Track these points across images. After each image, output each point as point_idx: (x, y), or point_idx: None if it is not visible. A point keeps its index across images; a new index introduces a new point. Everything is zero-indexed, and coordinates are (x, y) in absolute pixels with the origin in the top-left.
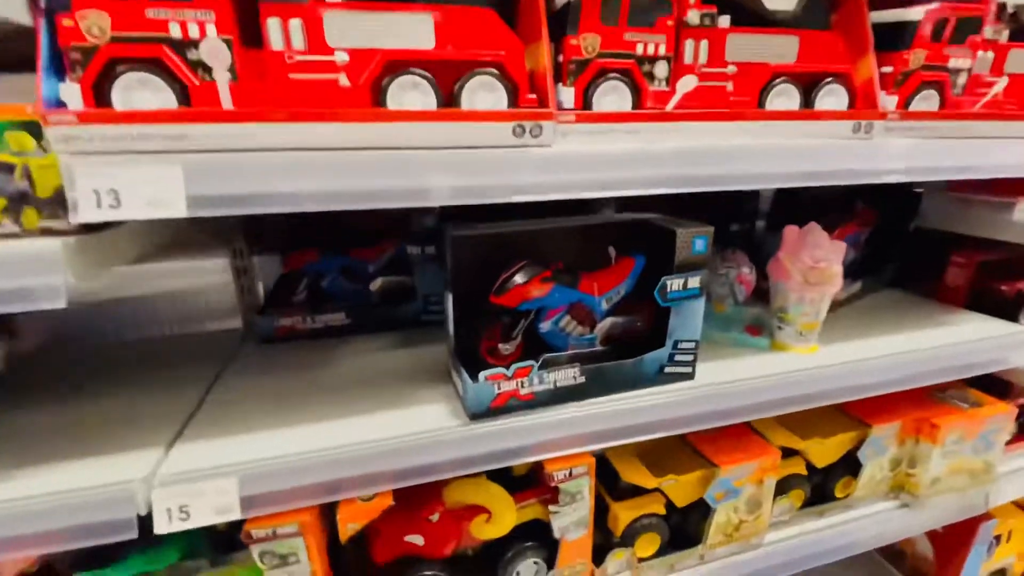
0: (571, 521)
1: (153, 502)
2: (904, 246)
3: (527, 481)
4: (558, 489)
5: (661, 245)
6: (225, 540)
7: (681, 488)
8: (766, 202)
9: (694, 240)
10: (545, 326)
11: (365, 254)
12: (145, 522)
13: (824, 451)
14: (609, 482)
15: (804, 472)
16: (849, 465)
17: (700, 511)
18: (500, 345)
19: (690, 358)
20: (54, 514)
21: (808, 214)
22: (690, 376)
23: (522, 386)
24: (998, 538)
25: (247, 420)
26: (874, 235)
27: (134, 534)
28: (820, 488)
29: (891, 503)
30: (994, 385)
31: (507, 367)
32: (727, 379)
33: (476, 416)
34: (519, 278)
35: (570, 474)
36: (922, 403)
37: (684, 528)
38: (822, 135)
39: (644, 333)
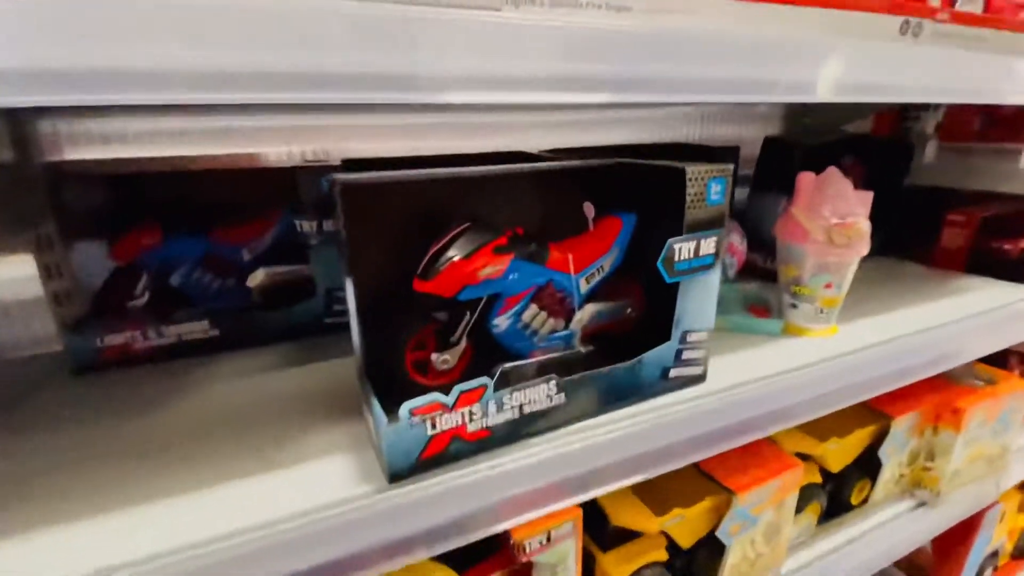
0: None
1: None
2: (895, 207)
3: (487, 545)
4: (531, 564)
5: (656, 196)
6: None
7: (688, 526)
8: (748, 165)
9: (710, 184)
10: (501, 323)
11: (235, 235)
12: None
13: (841, 453)
14: (594, 526)
15: (819, 480)
16: (864, 466)
17: (709, 548)
18: (434, 356)
19: (701, 354)
20: None
21: (792, 174)
22: (701, 379)
23: (470, 419)
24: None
25: (17, 507)
26: None
27: None
28: (835, 496)
29: (908, 505)
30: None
31: (446, 391)
32: (744, 379)
33: (397, 476)
34: (456, 251)
35: (548, 539)
36: (935, 386)
37: (690, 570)
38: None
39: (632, 324)
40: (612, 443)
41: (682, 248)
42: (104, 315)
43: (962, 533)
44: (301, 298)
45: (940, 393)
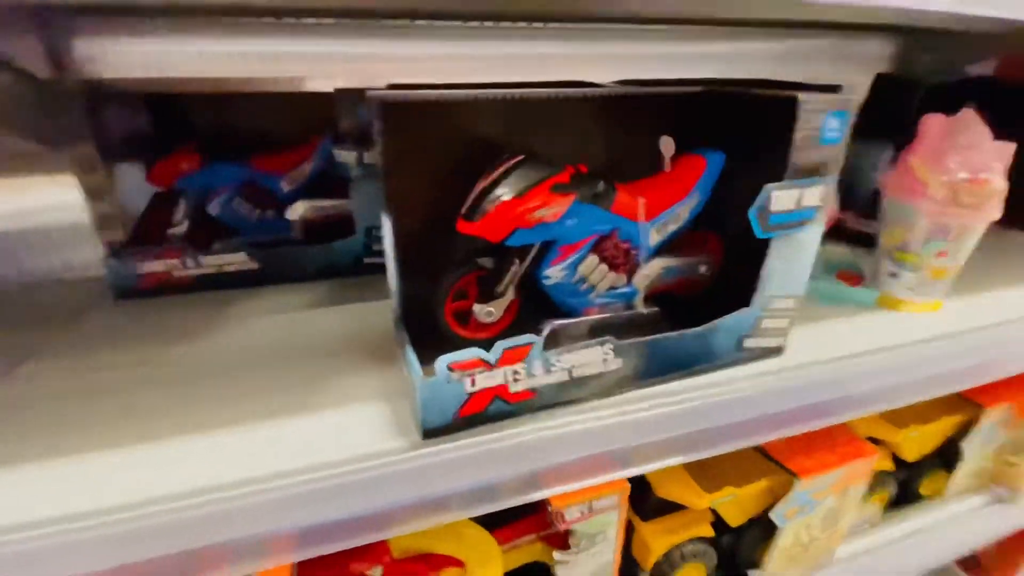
0: (586, 572)
1: None
2: (1019, 169)
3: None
4: (570, 531)
5: (753, 133)
6: None
7: (739, 504)
8: None
9: (827, 119)
10: (554, 274)
11: (274, 164)
12: None
13: (920, 441)
14: (636, 493)
15: (891, 467)
16: (944, 455)
17: (761, 527)
18: (477, 307)
19: (785, 323)
20: None
21: (906, 119)
22: (778, 351)
23: (514, 378)
24: None
25: (55, 445)
26: None
27: None
28: (904, 486)
29: (981, 499)
30: None
31: (488, 346)
32: (827, 356)
33: (431, 433)
34: (507, 188)
35: (589, 509)
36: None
37: (737, 549)
38: None
39: (704, 285)
40: (669, 417)
41: (782, 196)
42: (144, 241)
43: None
44: (341, 234)
45: None
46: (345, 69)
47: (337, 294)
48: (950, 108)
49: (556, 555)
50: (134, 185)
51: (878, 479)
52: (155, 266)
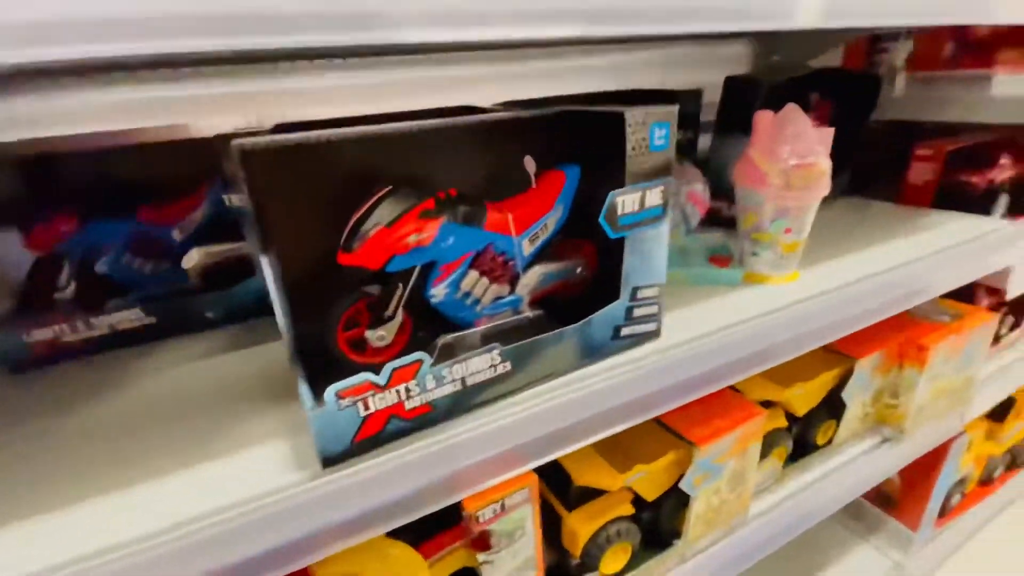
0: (511, 568)
1: None
2: (861, 145)
3: (445, 516)
4: (487, 532)
5: (601, 146)
6: None
7: (652, 480)
8: (710, 110)
9: (652, 129)
10: (438, 293)
11: (163, 215)
12: None
13: (806, 397)
14: (559, 486)
15: (785, 424)
16: (829, 407)
17: (675, 498)
18: (369, 333)
19: (654, 310)
20: None
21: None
22: (655, 335)
23: (407, 395)
24: None
25: None
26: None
27: None
28: (800, 438)
29: (872, 441)
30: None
31: (377, 370)
32: (701, 332)
33: (330, 461)
34: (379, 218)
35: (502, 507)
36: (900, 324)
37: (657, 522)
38: None
39: (586, 285)
40: (562, 407)
41: (625, 201)
42: (30, 310)
43: (929, 464)
44: (241, 278)
45: (905, 331)
46: (229, 110)
47: (241, 338)
48: (796, 100)
49: (480, 557)
50: (12, 253)
51: (775, 436)
52: (44, 334)
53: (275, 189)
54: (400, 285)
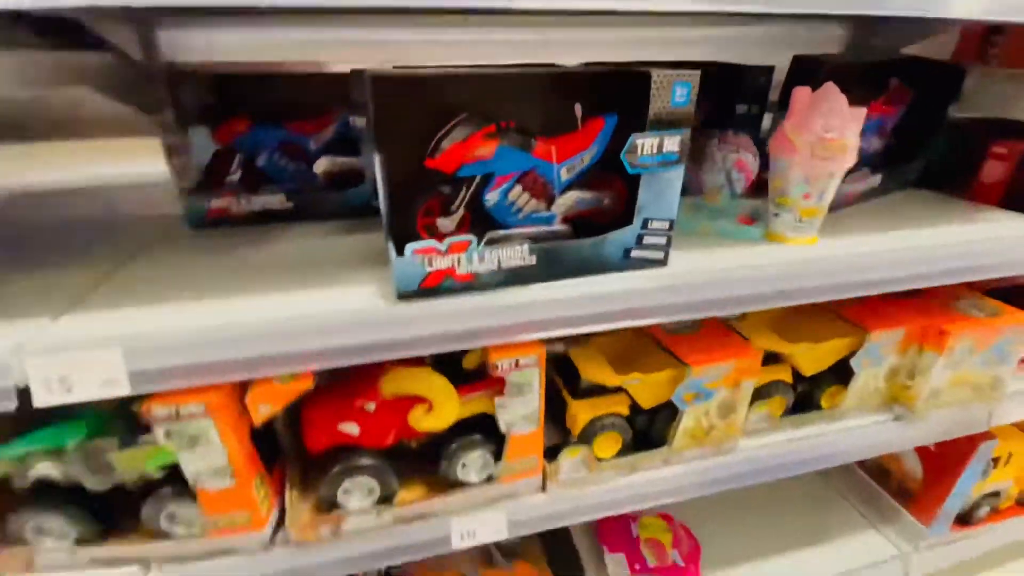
0: (519, 415)
1: (28, 372)
2: (938, 136)
3: (477, 374)
4: (504, 381)
5: (636, 100)
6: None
7: (647, 388)
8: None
9: (674, 87)
10: (492, 197)
11: (304, 127)
12: (26, 395)
13: (814, 357)
14: (570, 380)
15: (789, 380)
16: (839, 374)
17: (668, 413)
18: (439, 220)
19: (662, 241)
20: None
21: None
22: (662, 263)
23: (459, 264)
24: (996, 460)
25: (152, 295)
26: (905, 121)
27: (12, 404)
28: (805, 397)
29: (882, 416)
30: (1017, 296)
31: (441, 241)
32: (705, 268)
33: (403, 296)
34: (456, 134)
35: (516, 364)
36: (931, 311)
37: (650, 431)
38: None
39: (615, 215)
40: (569, 300)
41: (644, 143)
42: (210, 185)
43: (953, 462)
44: (354, 183)
45: (932, 317)
46: (361, 54)
47: (352, 227)
48: (874, 85)
49: (496, 400)
50: (202, 144)
51: (776, 387)
52: (220, 203)
53: (390, 108)
54: (465, 187)
